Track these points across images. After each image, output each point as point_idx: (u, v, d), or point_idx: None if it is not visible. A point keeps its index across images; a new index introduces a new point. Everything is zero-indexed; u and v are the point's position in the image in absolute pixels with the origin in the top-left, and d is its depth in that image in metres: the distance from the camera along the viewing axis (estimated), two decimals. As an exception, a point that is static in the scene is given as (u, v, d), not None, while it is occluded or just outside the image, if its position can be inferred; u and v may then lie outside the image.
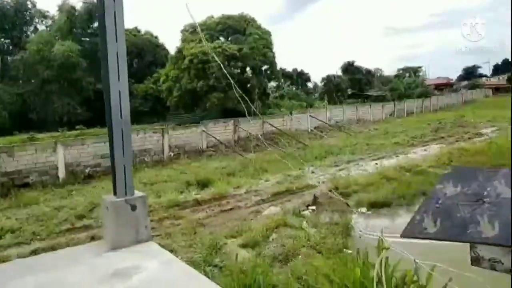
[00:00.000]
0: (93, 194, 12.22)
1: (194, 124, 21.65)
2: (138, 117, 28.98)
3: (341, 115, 30.17)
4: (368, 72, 54.34)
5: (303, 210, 9.27)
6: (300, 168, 14.74)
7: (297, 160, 16.35)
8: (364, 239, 7.14)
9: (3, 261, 7.69)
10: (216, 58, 21.30)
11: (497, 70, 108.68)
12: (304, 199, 10.38)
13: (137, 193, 3.79)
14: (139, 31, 42.34)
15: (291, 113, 25.97)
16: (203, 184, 12.74)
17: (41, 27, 39.49)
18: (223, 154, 19.49)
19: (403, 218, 8.38)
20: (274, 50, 31.48)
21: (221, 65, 26.24)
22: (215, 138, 20.12)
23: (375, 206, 8.98)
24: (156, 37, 42.18)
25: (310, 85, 57.21)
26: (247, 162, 16.24)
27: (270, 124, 23.12)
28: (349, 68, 52.40)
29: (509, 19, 2.19)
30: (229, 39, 31.10)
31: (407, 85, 42.46)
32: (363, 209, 8.79)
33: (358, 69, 52.43)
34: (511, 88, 69.92)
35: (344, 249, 6.18)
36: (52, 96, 31.83)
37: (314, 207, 9.43)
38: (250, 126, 22.47)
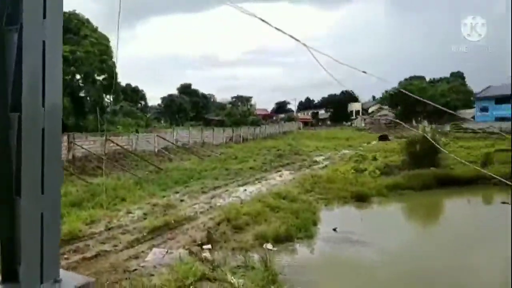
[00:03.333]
0: None
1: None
2: None
3: (187, 137, 29.09)
4: (204, 96, 55.48)
5: (199, 251, 7.62)
6: (164, 196, 12.86)
7: (156, 186, 14.39)
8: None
9: None
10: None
11: (301, 106, 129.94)
12: (190, 235, 8.69)
13: (66, 275, 1.79)
14: None
15: (137, 132, 23.27)
16: (40, 220, 9.35)
17: None
18: (54, 178, 15.39)
19: (313, 255, 7.84)
20: (114, 59, 28.05)
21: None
22: (44, 157, 15.77)
23: (278, 241, 8.16)
24: None
25: (142, 103, 54.32)
26: (95, 188, 13.12)
27: (114, 142, 19.95)
28: (186, 90, 52.23)
29: None
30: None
31: (242, 113, 45.15)
32: (269, 246, 7.83)
33: (196, 92, 52.87)
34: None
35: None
36: None
37: (209, 246, 7.89)
38: (89, 144, 18.84)
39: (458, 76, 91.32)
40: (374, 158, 21.12)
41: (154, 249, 7.83)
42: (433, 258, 7.57)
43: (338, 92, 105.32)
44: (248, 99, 52.42)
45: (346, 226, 9.54)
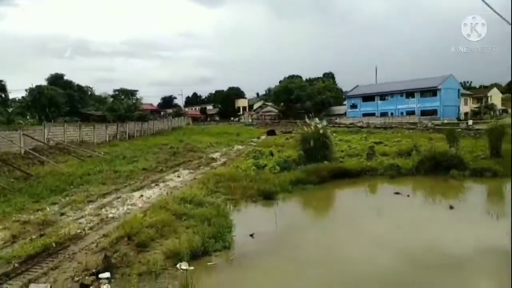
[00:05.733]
0: None
1: None
2: None
3: (62, 135, 25.15)
4: (80, 88, 49.40)
5: (95, 283, 6.02)
6: (38, 210, 10.48)
7: (26, 197, 11.77)
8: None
9: None
10: None
11: (188, 101, 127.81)
12: (80, 261, 6.91)
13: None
14: None
15: (-5, 129, 18.93)
16: None
17: None
18: None
19: (238, 273, 6.89)
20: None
21: None
22: None
23: (194, 256, 7.01)
24: None
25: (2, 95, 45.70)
26: None
27: (-39, 143, 15.74)
28: (58, 81, 45.65)
29: None
30: None
31: (127, 107, 41.40)
32: (184, 265, 6.64)
33: (69, 84, 46.62)
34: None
35: None
36: None
37: (108, 274, 6.32)
38: None
39: (329, 77, 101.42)
40: (271, 154, 21.27)
41: (32, 286, 5.95)
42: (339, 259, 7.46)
43: (224, 88, 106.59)
44: (133, 92, 48.39)
45: (261, 229, 8.91)
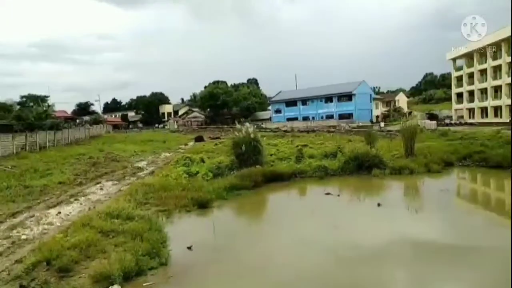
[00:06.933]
0: None
1: None
2: None
3: (-44, 148, 21.72)
4: (-22, 95, 43.44)
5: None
6: None
7: None
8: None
9: None
10: None
11: (108, 108, 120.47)
12: (-14, 296, 5.84)
13: None
14: None
15: None
16: None
17: None
18: None
19: None
20: None
21: None
22: None
23: (127, 277, 6.32)
24: None
25: None
26: None
27: None
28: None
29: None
30: None
31: (37, 115, 37.37)
32: (117, 288, 5.96)
33: (-36, 89, 40.69)
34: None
35: None
36: None
37: (23, 308, 5.40)
38: None
39: (253, 82, 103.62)
40: (202, 160, 20.75)
41: None
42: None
43: (147, 93, 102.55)
44: (43, 98, 43.86)
45: (199, 240, 8.47)
